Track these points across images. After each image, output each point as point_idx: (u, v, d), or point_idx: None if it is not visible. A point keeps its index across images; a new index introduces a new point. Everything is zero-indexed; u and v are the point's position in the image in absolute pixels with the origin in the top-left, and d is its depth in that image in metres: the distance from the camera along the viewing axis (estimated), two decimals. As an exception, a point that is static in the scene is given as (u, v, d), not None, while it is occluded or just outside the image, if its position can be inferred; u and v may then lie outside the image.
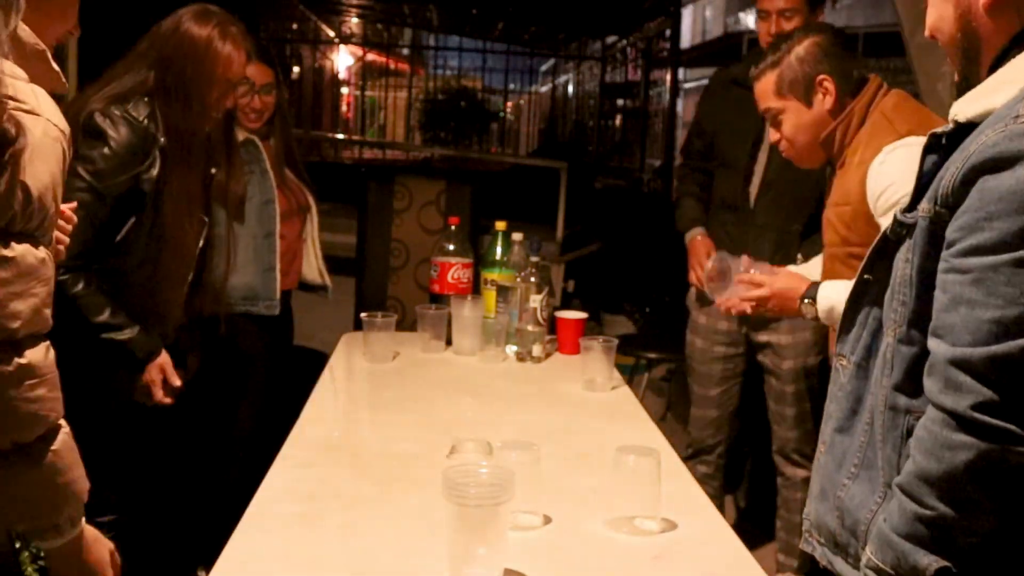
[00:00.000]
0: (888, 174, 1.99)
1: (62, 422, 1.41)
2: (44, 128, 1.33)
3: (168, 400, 2.47)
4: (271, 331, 3.05)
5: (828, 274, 2.21)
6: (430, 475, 1.79)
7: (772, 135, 2.28)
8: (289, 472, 1.92)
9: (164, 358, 2.43)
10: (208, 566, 1.51)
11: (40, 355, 1.34)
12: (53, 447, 1.37)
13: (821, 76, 2.15)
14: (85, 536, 1.47)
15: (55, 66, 1.41)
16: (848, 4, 17.12)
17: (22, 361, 1.31)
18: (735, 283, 2.24)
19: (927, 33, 1.32)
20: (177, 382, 2.46)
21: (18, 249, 1.29)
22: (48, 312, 1.36)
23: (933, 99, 2.93)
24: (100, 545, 1.52)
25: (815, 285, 2.10)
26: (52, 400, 1.36)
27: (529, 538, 1.64)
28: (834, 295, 2.02)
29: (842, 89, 2.15)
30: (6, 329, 1.29)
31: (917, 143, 1.88)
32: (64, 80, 1.44)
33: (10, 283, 1.28)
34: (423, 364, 2.78)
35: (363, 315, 2.78)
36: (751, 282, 2.19)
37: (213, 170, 2.51)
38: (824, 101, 2.16)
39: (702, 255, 3.09)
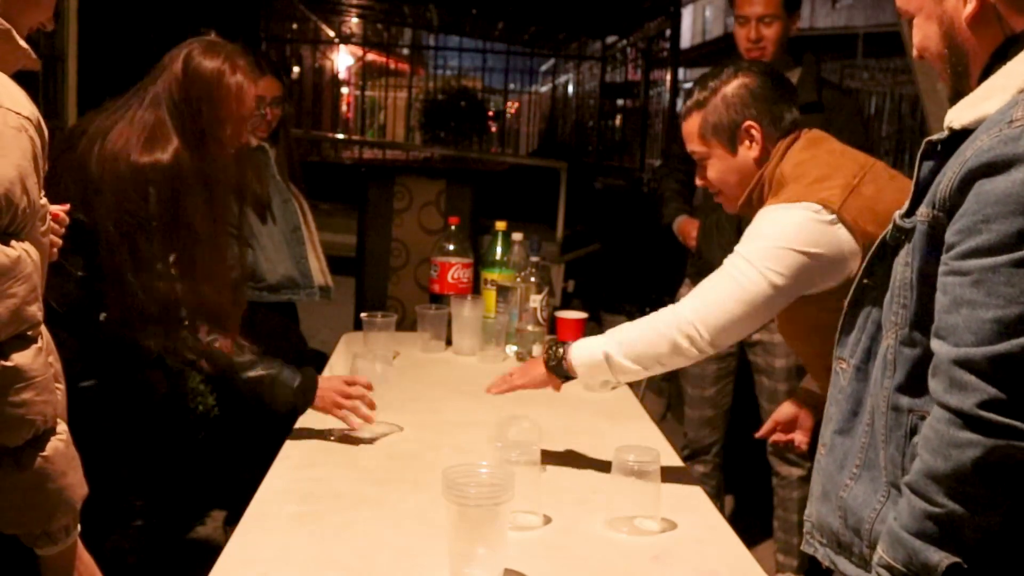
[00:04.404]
0: (761, 226, 1.88)
1: (60, 427, 1.37)
2: (3, 118, 1.27)
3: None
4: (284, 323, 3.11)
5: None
6: (430, 475, 1.79)
7: (698, 179, 2.11)
8: (289, 472, 1.92)
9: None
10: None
11: (28, 358, 1.30)
12: (43, 453, 1.33)
13: (747, 123, 1.97)
14: (78, 545, 1.44)
15: (22, 43, 1.36)
16: (848, 4, 17.13)
17: (7, 364, 1.27)
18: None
19: (915, 54, 1.34)
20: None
21: None
22: (33, 308, 1.31)
23: (933, 99, 2.94)
24: (88, 557, 1.49)
25: (562, 342, 2.01)
26: (41, 404, 1.32)
27: (529, 538, 1.64)
28: (589, 348, 1.94)
29: (771, 137, 1.98)
30: None
31: (793, 208, 1.83)
32: (34, 56, 1.38)
33: None
34: (423, 364, 2.78)
35: (363, 315, 2.78)
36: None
37: None
38: (750, 149, 1.98)
39: (692, 233, 3.21)
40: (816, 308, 1.86)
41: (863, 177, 1.88)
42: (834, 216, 1.81)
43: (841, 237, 1.81)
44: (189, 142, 2.15)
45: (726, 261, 1.89)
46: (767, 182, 1.98)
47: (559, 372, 1.98)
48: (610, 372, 1.92)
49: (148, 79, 2.21)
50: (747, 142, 1.98)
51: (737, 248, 1.89)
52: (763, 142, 1.97)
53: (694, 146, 2.04)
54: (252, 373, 2.13)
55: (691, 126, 2.03)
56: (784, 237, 1.82)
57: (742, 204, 2.02)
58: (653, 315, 1.94)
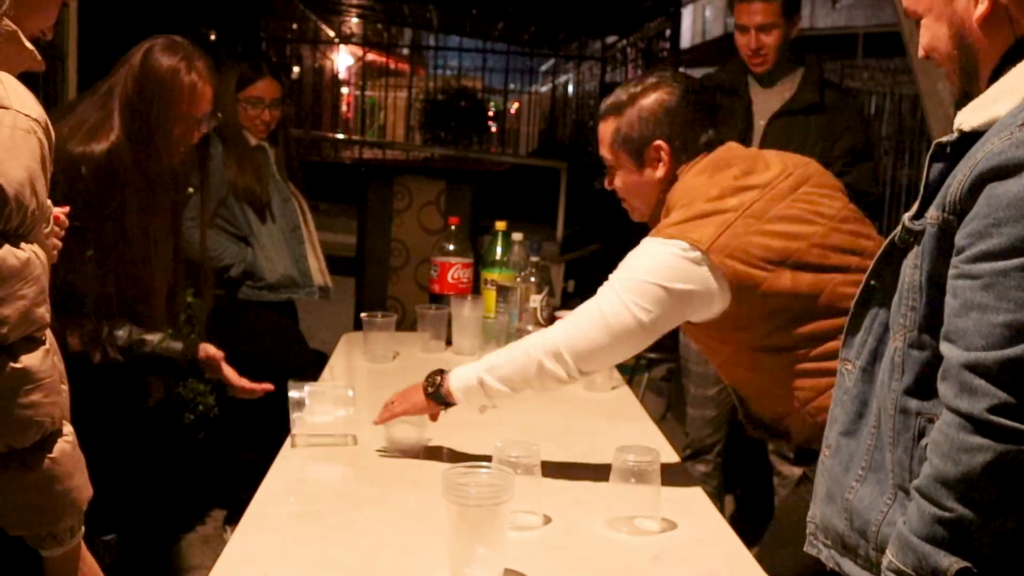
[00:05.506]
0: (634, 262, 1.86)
1: (66, 428, 1.37)
2: (13, 120, 1.27)
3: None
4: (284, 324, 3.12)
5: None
6: (430, 475, 1.79)
7: (606, 182, 2.05)
8: (289, 472, 1.92)
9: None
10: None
11: (36, 359, 1.30)
12: (51, 454, 1.33)
13: (657, 142, 1.93)
14: (82, 547, 1.44)
15: (28, 44, 1.35)
16: (848, 4, 17.13)
17: (16, 366, 1.27)
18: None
19: (921, 53, 1.34)
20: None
21: None
22: (42, 311, 1.31)
23: (933, 99, 2.94)
24: (91, 558, 1.49)
25: (439, 371, 1.97)
26: (49, 405, 1.32)
27: (529, 538, 1.64)
28: (465, 372, 1.92)
29: (679, 159, 1.94)
30: None
31: (664, 244, 1.82)
32: (40, 58, 1.38)
33: None
34: (423, 364, 2.77)
35: (363, 315, 2.78)
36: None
37: (191, 189, 2.48)
38: (656, 170, 1.95)
39: None
40: (748, 335, 1.86)
41: (750, 208, 1.83)
42: (700, 255, 1.79)
43: (708, 275, 1.80)
44: (133, 136, 2.15)
45: (601, 288, 1.88)
46: (666, 204, 1.96)
47: (438, 399, 1.95)
48: (485, 396, 1.91)
49: (110, 73, 2.22)
50: (654, 161, 1.95)
51: (612, 276, 1.88)
52: (670, 164, 1.95)
53: (604, 152, 2.02)
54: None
55: (605, 131, 2.00)
56: (652, 272, 1.82)
57: (650, 221, 2.01)
58: (528, 337, 1.94)
